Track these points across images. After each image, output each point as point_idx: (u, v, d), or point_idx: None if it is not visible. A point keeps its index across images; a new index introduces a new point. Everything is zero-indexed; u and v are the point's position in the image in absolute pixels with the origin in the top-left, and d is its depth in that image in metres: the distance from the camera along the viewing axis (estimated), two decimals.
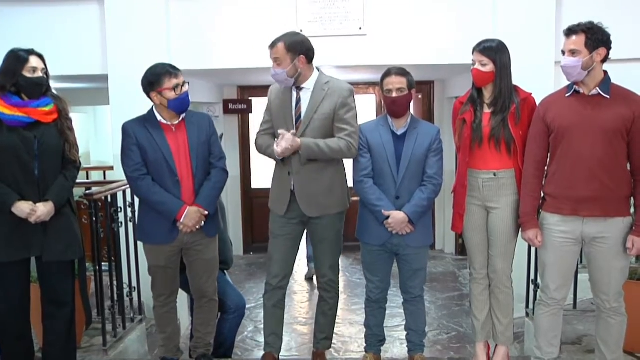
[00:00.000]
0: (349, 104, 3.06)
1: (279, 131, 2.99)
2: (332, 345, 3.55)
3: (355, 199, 3.15)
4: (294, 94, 3.10)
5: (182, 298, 3.94)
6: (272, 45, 3.01)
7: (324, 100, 3.04)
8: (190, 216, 2.97)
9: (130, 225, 3.79)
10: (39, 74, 2.75)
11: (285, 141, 2.94)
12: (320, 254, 3.24)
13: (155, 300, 3.23)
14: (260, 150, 3.21)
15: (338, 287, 3.34)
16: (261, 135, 3.21)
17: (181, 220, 2.96)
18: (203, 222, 3.02)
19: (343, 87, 3.10)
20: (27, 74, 2.72)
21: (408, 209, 3.00)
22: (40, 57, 2.79)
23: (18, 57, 2.72)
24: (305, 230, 3.28)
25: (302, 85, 3.07)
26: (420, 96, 7.11)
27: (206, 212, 3.01)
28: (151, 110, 3.05)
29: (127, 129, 3.01)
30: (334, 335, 3.48)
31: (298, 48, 2.99)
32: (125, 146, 3.00)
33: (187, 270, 3.20)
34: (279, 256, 3.19)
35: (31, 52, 2.76)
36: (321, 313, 3.36)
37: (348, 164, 3.20)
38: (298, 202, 3.07)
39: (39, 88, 2.76)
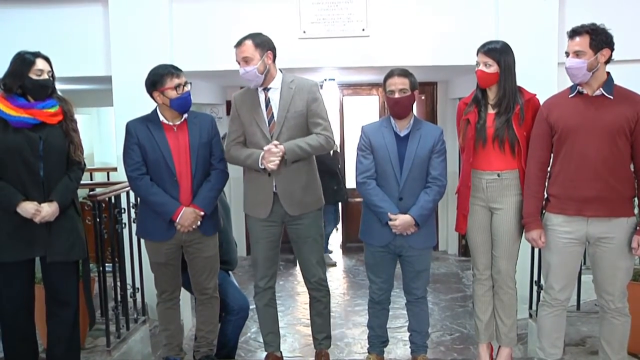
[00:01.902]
0: (318, 98, 3.11)
1: (264, 148, 2.98)
2: (335, 346, 3.55)
3: (358, 200, 3.15)
4: (262, 95, 3.10)
5: (187, 299, 3.95)
6: (239, 44, 3.02)
7: (294, 98, 3.06)
8: (186, 217, 3.00)
9: (134, 226, 3.79)
10: (45, 76, 2.77)
11: (274, 155, 2.95)
12: (305, 254, 3.24)
13: (158, 297, 3.27)
14: (237, 161, 3.14)
15: (327, 285, 3.36)
16: (233, 146, 3.15)
17: (177, 221, 3.00)
18: (199, 222, 3.06)
19: (309, 82, 3.14)
20: (33, 76, 2.74)
21: (414, 212, 3.00)
22: (47, 59, 2.81)
23: (24, 60, 2.75)
24: None
25: (270, 86, 3.09)
26: (423, 97, 7.11)
27: (202, 213, 3.04)
28: (154, 110, 3.10)
29: (129, 128, 3.06)
30: (337, 336, 3.49)
31: (265, 45, 3.03)
32: (126, 145, 3.05)
33: (188, 267, 3.22)
34: (263, 259, 3.22)
35: (38, 54, 2.78)
36: (316, 314, 3.37)
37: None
38: (281, 202, 3.09)
39: (45, 90, 2.78)
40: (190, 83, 3.06)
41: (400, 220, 2.99)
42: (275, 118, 3.07)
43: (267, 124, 3.08)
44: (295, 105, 3.06)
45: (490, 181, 2.98)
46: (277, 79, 3.10)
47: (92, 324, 3.28)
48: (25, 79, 2.73)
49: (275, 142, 3.00)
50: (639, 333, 3.02)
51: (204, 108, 6.37)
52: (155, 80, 2.98)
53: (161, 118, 3.06)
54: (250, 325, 4.74)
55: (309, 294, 3.36)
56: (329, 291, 3.36)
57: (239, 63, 3.03)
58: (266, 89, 3.09)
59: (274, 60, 3.08)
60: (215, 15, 4.52)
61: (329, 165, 5.99)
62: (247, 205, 3.25)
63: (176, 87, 2.96)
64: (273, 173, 3.05)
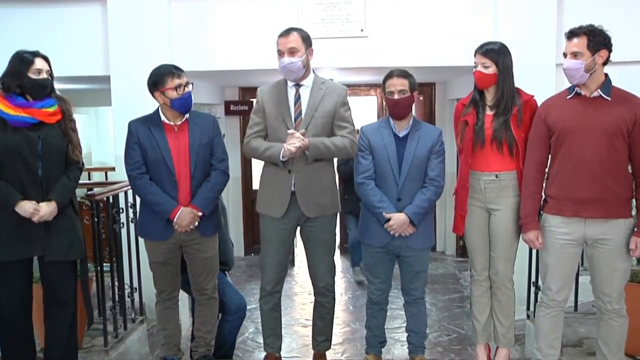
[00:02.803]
0: (347, 103, 3.12)
1: (288, 131, 2.97)
2: (333, 347, 3.55)
3: None
4: (292, 91, 3.10)
5: (183, 299, 3.95)
6: (286, 34, 3.00)
7: (323, 98, 3.06)
8: (183, 216, 3.00)
9: (132, 226, 3.79)
10: (44, 75, 2.77)
11: (298, 140, 2.93)
12: (317, 258, 3.22)
13: (157, 296, 3.26)
14: (255, 153, 3.10)
15: (334, 291, 3.34)
16: (253, 138, 3.13)
17: (174, 220, 3.00)
18: (197, 222, 3.05)
19: (340, 86, 3.16)
20: (32, 75, 2.74)
21: (409, 211, 3.01)
22: (45, 59, 2.81)
23: (23, 59, 2.74)
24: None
25: (302, 83, 3.08)
26: (421, 98, 7.12)
27: (200, 213, 3.04)
28: (157, 110, 3.11)
29: (130, 127, 3.08)
30: (335, 336, 3.49)
31: (309, 41, 3.06)
32: (127, 144, 3.07)
33: (187, 268, 3.22)
34: (273, 262, 3.18)
35: (36, 54, 2.78)
36: (319, 317, 3.36)
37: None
38: (298, 201, 3.06)
39: (44, 89, 2.78)
40: (192, 83, 3.06)
41: (395, 219, 2.99)
42: (303, 115, 3.06)
43: (293, 121, 3.06)
44: (324, 106, 3.05)
45: (488, 182, 2.99)
46: (310, 77, 3.11)
47: (89, 323, 3.29)
48: (24, 78, 2.73)
49: (302, 131, 2.98)
50: (636, 334, 3.03)
51: (203, 108, 6.37)
52: (156, 80, 2.99)
53: (163, 118, 3.07)
54: (248, 326, 4.75)
55: (315, 297, 3.34)
56: (334, 297, 3.34)
57: (280, 54, 3.00)
58: (298, 85, 3.09)
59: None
60: (213, 15, 4.52)
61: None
62: (262, 204, 3.18)
63: (177, 88, 2.97)
64: (293, 170, 3.03)
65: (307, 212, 3.08)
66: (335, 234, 3.27)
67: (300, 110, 3.07)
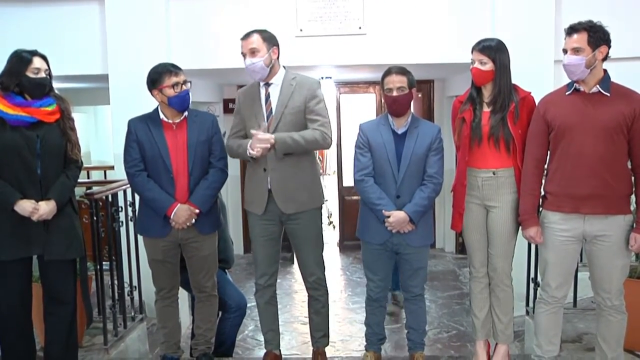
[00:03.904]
0: (318, 96, 3.11)
1: (252, 131, 3.00)
2: (332, 344, 3.56)
3: (355, 197, 3.16)
4: (263, 90, 3.13)
5: (183, 297, 3.95)
6: (247, 37, 3.05)
7: (293, 94, 3.08)
8: (180, 213, 3.01)
9: (131, 224, 3.80)
10: (42, 74, 2.77)
11: (259, 141, 2.95)
12: (304, 253, 3.24)
13: (156, 294, 3.27)
14: (231, 152, 3.19)
15: (326, 284, 3.36)
16: (231, 138, 3.21)
17: (171, 217, 3.01)
18: (195, 220, 3.06)
19: (311, 80, 3.16)
20: (30, 74, 2.74)
21: (409, 209, 3.01)
22: (44, 58, 2.81)
23: (22, 58, 2.75)
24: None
25: (271, 81, 3.11)
26: (420, 95, 7.12)
27: (197, 211, 3.04)
28: (156, 109, 3.12)
29: (129, 125, 3.09)
30: (334, 334, 3.49)
31: (272, 40, 3.08)
32: (126, 142, 3.08)
33: (186, 265, 3.23)
34: (262, 257, 3.23)
35: (35, 53, 2.78)
36: (314, 312, 3.37)
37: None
38: (275, 199, 3.09)
39: (42, 88, 2.78)
40: (190, 82, 3.06)
41: (394, 217, 2.99)
42: (274, 113, 3.08)
43: (266, 119, 3.09)
44: (293, 101, 3.07)
45: (485, 179, 2.99)
46: (279, 75, 3.13)
47: (89, 322, 3.29)
48: (22, 77, 2.73)
49: (265, 124, 3.02)
50: (635, 329, 3.04)
51: (201, 106, 6.36)
52: (154, 78, 3.00)
53: (161, 116, 3.08)
54: (248, 323, 4.75)
55: (308, 292, 3.36)
56: (327, 290, 3.36)
57: (244, 56, 3.05)
58: (267, 84, 3.12)
59: (278, 57, 3.11)
60: (211, 13, 4.53)
61: None
62: (246, 201, 3.25)
63: (174, 86, 2.97)
64: (268, 169, 3.05)
65: (285, 209, 3.10)
66: (321, 228, 3.29)
67: (271, 108, 3.09)
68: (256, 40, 3.02)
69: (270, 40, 3.06)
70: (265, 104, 3.11)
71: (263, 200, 3.11)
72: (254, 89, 3.17)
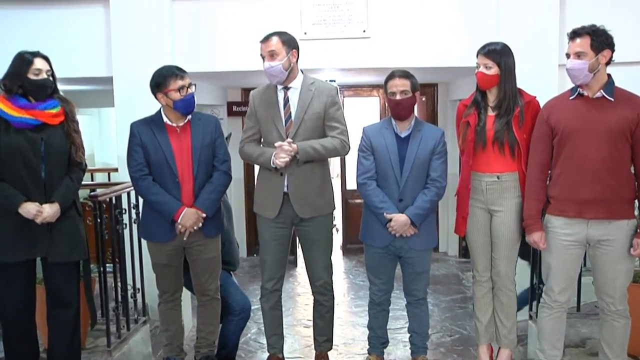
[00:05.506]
0: (337, 102, 3.13)
1: (276, 144, 2.99)
2: (335, 348, 3.55)
3: (358, 201, 3.16)
4: (281, 94, 3.11)
5: (186, 300, 3.95)
6: (266, 39, 3.04)
7: (312, 100, 3.07)
8: (187, 217, 3.00)
9: (135, 226, 3.80)
10: (44, 75, 2.77)
11: (285, 152, 2.96)
12: (313, 257, 3.24)
13: (159, 297, 3.28)
14: (249, 159, 3.19)
15: (333, 289, 3.35)
16: (247, 142, 3.19)
17: (178, 221, 3.00)
18: (201, 224, 3.06)
19: (329, 86, 3.16)
20: (31, 75, 2.74)
21: (410, 212, 3.01)
22: (46, 59, 2.81)
23: (23, 60, 2.75)
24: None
25: (290, 85, 3.10)
26: (423, 99, 7.11)
27: (204, 215, 3.04)
28: (159, 112, 3.11)
29: (132, 129, 3.08)
30: (337, 337, 3.48)
31: (291, 43, 3.07)
32: (129, 146, 3.08)
33: (190, 268, 3.23)
34: (271, 261, 3.22)
35: (36, 54, 2.78)
36: (319, 317, 3.37)
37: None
38: (292, 203, 3.09)
39: (44, 90, 2.77)
40: (195, 85, 3.06)
41: (396, 220, 2.99)
42: (293, 118, 3.08)
43: (284, 124, 3.08)
44: (313, 107, 3.07)
45: (489, 183, 2.99)
46: (298, 79, 3.12)
47: (93, 324, 3.28)
48: (24, 79, 2.73)
49: (289, 140, 3.01)
50: (639, 335, 3.03)
51: (205, 109, 6.37)
52: (159, 82, 2.99)
53: (165, 119, 3.07)
54: (251, 326, 4.74)
55: (313, 296, 3.35)
56: (333, 295, 3.36)
57: (263, 58, 3.04)
58: (286, 88, 3.10)
59: (297, 60, 3.10)
60: (216, 16, 4.53)
61: None
62: (257, 205, 3.24)
63: (179, 89, 2.97)
64: (285, 172, 3.05)
65: (301, 213, 3.10)
66: (332, 233, 3.29)
67: (290, 113, 3.09)
68: (275, 43, 3.01)
69: (289, 43, 3.05)
70: (284, 108, 3.10)
71: (277, 203, 3.11)
72: (271, 91, 3.14)
